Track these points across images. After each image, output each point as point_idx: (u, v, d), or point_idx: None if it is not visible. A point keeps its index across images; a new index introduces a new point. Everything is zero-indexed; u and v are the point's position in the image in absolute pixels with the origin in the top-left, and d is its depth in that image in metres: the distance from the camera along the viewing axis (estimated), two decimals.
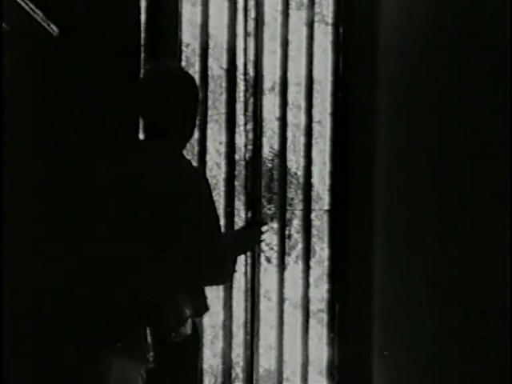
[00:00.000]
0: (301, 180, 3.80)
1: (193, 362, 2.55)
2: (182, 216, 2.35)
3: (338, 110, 3.77)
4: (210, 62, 3.69)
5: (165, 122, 2.47)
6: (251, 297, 3.69)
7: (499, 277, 2.76)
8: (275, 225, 3.76)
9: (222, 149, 3.68)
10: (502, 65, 2.74)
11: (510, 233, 2.72)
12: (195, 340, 2.57)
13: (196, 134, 3.59)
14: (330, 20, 3.77)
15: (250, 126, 3.70)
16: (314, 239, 3.80)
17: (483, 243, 2.88)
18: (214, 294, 3.61)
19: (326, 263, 3.78)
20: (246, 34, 3.67)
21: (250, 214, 3.68)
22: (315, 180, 3.79)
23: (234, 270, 2.70)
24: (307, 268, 3.77)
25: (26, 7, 2.88)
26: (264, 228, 2.73)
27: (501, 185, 2.72)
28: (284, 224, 3.77)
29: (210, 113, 3.67)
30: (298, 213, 3.80)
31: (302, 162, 3.79)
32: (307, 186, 3.78)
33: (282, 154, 3.76)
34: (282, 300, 3.75)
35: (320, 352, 3.76)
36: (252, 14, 3.70)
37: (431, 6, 3.30)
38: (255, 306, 3.70)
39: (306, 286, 3.77)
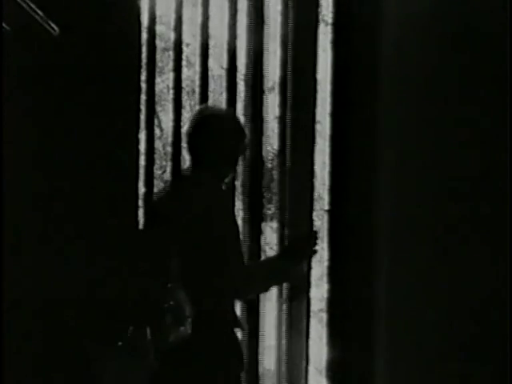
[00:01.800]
0: None
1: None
2: (203, 232, 2.58)
3: (337, 110, 3.77)
4: (210, 62, 3.68)
5: (209, 158, 2.72)
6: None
7: (500, 277, 2.76)
8: (275, 225, 3.76)
9: None
10: (503, 64, 2.74)
11: (510, 234, 2.72)
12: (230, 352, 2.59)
13: None
14: (329, 20, 3.76)
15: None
16: None
17: (484, 243, 2.88)
18: None
19: (326, 263, 3.78)
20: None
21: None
22: (315, 180, 3.78)
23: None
24: (307, 268, 3.76)
25: (26, 7, 2.88)
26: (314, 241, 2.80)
27: (503, 184, 2.72)
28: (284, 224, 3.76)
29: None
30: None
31: None
32: None
33: (282, 153, 3.75)
34: (282, 300, 3.74)
35: (320, 352, 3.75)
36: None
37: (431, 5, 3.30)
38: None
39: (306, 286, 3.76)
